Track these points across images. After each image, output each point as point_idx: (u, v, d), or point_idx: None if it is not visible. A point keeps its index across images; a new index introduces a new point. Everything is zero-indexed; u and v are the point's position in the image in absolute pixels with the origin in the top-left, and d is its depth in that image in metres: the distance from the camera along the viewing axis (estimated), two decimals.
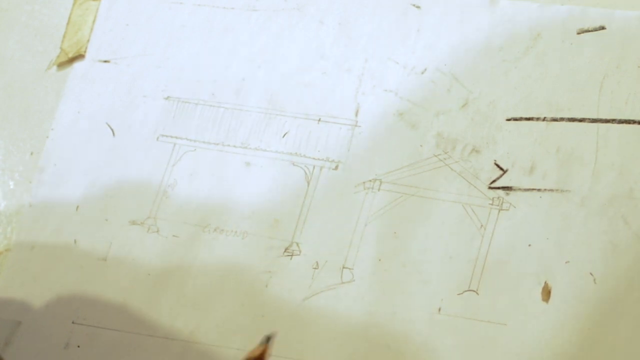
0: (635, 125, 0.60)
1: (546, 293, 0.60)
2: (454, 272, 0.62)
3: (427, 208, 0.64)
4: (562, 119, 0.62)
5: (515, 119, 0.63)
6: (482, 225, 0.63)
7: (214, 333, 0.64)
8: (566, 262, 0.60)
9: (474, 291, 0.62)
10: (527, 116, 0.62)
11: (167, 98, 0.72)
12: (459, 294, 0.62)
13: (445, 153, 0.64)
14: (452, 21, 0.67)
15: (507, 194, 0.63)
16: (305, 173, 0.67)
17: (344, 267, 0.64)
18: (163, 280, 0.66)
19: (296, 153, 0.68)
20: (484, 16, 0.66)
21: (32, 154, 0.74)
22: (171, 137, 0.71)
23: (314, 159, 0.67)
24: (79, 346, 0.65)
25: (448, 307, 0.62)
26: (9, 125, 0.76)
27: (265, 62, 0.71)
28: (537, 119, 0.63)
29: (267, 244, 0.66)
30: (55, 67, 0.76)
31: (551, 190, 0.62)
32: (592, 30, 0.63)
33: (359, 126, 0.67)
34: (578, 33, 0.63)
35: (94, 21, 0.76)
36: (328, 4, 0.71)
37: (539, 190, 0.62)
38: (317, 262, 0.65)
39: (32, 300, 0.67)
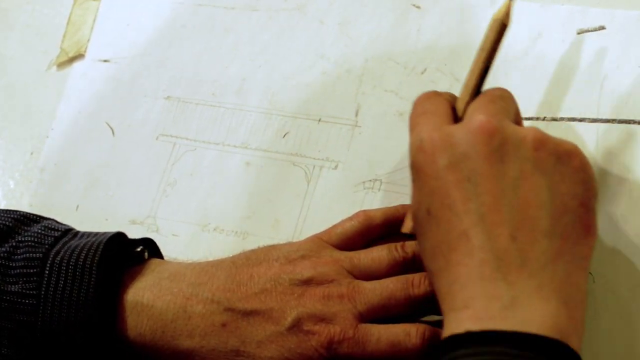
0: (636, 126, 0.60)
1: None
2: None
3: None
4: (562, 119, 0.62)
5: None
6: None
7: None
8: None
9: None
10: (528, 116, 0.62)
11: (168, 98, 0.72)
12: None
13: None
14: (452, 21, 0.67)
15: None
16: (306, 173, 0.67)
17: None
18: None
19: (296, 153, 0.68)
20: (484, 16, 0.66)
21: (32, 153, 0.74)
22: (171, 136, 0.71)
23: (314, 159, 0.67)
24: None
25: None
26: (10, 125, 0.76)
27: (266, 62, 0.71)
28: (537, 118, 0.63)
29: (268, 244, 0.65)
30: (55, 67, 0.76)
31: None
32: (592, 30, 0.63)
33: (359, 126, 0.67)
34: (578, 33, 0.63)
35: (94, 21, 0.76)
36: (328, 4, 0.71)
37: None
38: None
39: None
